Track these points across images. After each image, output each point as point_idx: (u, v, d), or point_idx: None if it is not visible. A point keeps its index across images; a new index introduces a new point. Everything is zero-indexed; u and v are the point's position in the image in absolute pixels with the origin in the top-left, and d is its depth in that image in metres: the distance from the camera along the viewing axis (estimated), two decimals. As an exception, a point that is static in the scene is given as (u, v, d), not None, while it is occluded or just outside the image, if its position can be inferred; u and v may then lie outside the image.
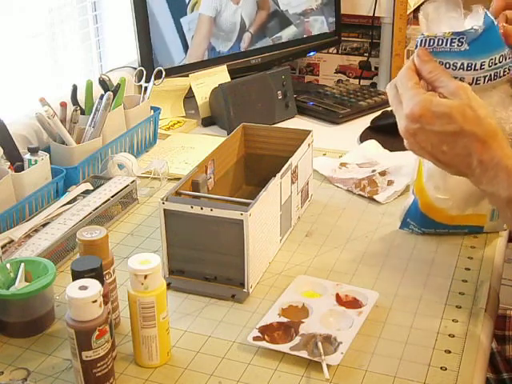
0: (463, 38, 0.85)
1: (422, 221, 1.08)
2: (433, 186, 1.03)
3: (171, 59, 1.57)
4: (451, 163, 0.83)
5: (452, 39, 0.85)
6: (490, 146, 0.80)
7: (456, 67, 0.85)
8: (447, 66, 0.86)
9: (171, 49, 1.56)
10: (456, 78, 0.85)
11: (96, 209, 1.12)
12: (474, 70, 0.85)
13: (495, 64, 0.86)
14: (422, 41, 0.86)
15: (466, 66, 0.85)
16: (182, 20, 1.57)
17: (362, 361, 0.83)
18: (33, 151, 1.17)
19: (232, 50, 1.66)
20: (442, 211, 1.06)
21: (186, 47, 1.59)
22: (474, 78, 0.86)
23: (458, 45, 0.85)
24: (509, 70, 0.88)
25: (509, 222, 0.85)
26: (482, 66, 0.85)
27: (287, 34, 1.75)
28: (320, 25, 1.79)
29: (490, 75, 0.86)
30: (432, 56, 0.86)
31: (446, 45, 0.85)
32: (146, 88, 1.47)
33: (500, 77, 0.87)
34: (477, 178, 0.82)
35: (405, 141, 0.86)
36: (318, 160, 1.33)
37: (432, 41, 0.86)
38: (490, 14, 0.86)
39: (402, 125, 0.84)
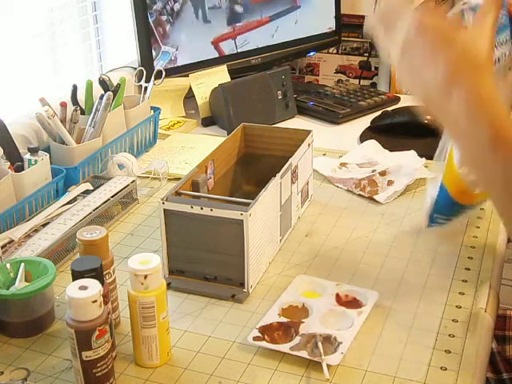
0: (503, 11, 0.83)
1: (451, 210, 1.07)
2: (468, 170, 1.04)
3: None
4: (433, 84, 0.70)
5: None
6: (483, 80, 0.69)
7: (497, 44, 0.84)
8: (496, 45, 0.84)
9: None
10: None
11: (96, 209, 1.12)
12: (505, 44, 0.84)
13: (505, 43, 0.85)
14: None
15: (505, 40, 0.84)
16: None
17: (361, 361, 0.83)
18: (33, 151, 1.17)
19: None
20: (470, 193, 1.05)
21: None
22: (504, 53, 0.84)
23: (500, 18, 0.82)
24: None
25: (492, 173, 0.70)
26: (508, 39, 0.84)
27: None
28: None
29: (500, 56, 0.85)
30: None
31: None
32: (145, 88, 1.47)
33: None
34: (455, 106, 0.69)
35: (395, 50, 0.74)
36: (317, 160, 1.33)
37: None
38: None
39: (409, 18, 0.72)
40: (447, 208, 1.08)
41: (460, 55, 0.70)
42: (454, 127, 0.72)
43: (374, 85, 1.99)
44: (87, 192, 1.18)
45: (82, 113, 1.32)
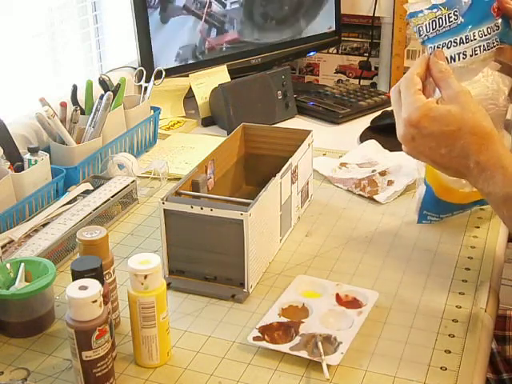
0: (457, 12, 0.85)
1: (439, 207, 1.10)
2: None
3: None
4: (449, 165, 0.84)
5: (449, 15, 0.85)
6: (487, 148, 0.81)
7: (457, 43, 0.86)
8: (449, 45, 0.86)
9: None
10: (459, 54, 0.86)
11: (96, 209, 1.12)
12: (466, 42, 0.86)
13: (484, 35, 0.86)
14: (426, 26, 0.86)
15: (464, 39, 0.86)
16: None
17: (361, 361, 0.83)
18: (33, 151, 1.17)
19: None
20: (456, 192, 1.08)
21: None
22: (461, 52, 0.86)
23: (454, 19, 0.85)
24: (495, 42, 0.88)
25: (505, 220, 0.86)
26: (473, 37, 0.86)
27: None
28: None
29: (478, 47, 0.87)
30: (440, 39, 0.86)
31: (446, 23, 0.85)
32: (146, 88, 1.47)
33: (485, 50, 0.87)
34: (474, 179, 0.83)
35: (403, 146, 0.86)
36: (318, 160, 1.33)
37: (434, 23, 0.85)
38: None
39: (400, 130, 0.85)
40: (434, 205, 1.10)
41: (470, 133, 0.81)
42: (475, 185, 0.85)
43: (374, 85, 2.00)
44: (87, 192, 1.18)
45: (82, 113, 1.32)
